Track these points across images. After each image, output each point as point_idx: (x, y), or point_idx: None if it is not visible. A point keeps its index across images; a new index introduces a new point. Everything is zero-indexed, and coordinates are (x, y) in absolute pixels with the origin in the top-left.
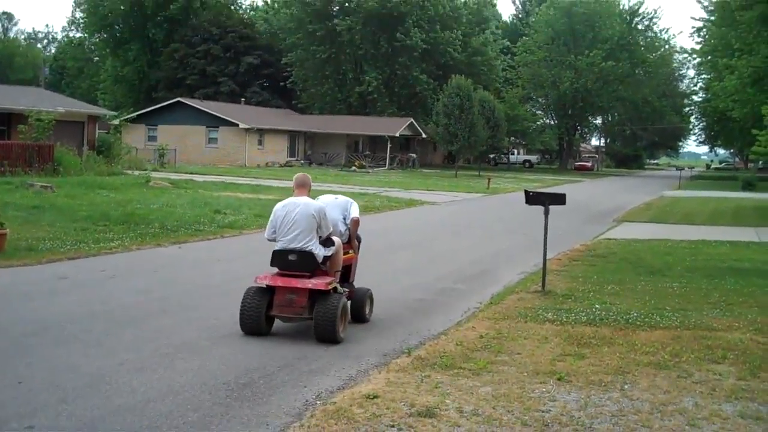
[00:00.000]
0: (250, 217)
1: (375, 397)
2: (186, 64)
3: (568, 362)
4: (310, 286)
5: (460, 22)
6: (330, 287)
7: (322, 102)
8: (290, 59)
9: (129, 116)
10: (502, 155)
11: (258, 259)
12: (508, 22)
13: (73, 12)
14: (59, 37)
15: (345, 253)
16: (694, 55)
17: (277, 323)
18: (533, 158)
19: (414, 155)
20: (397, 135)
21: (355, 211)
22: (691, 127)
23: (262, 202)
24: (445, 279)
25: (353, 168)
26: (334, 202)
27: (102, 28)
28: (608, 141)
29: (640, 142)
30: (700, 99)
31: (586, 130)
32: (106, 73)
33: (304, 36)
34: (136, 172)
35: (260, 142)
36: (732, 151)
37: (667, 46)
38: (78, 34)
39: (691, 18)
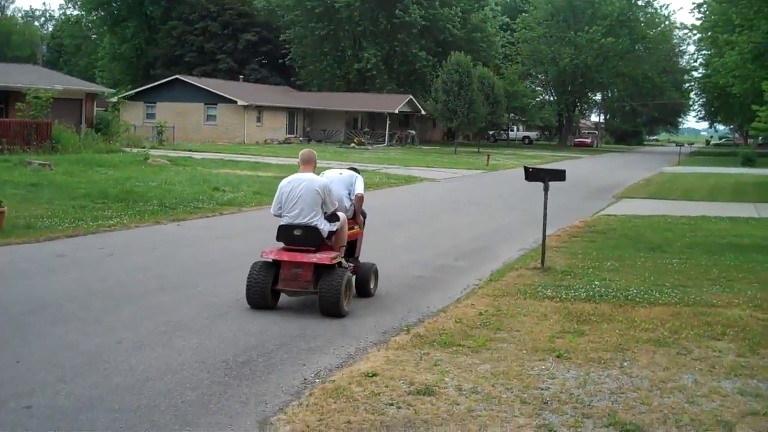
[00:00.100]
0: (248, 194)
1: (374, 375)
2: (184, 42)
3: (568, 339)
4: (314, 260)
5: None
6: (334, 262)
7: (320, 79)
8: (288, 36)
9: (127, 94)
10: (502, 132)
11: (257, 237)
12: None
13: None
14: (56, 14)
15: (350, 229)
16: (695, 31)
17: (283, 297)
18: (533, 135)
19: (413, 132)
20: (396, 112)
21: (359, 187)
22: (690, 103)
23: (261, 179)
24: (445, 256)
25: (352, 145)
26: (339, 178)
27: (99, 6)
28: (608, 117)
29: (640, 118)
30: (700, 75)
31: (585, 106)
32: (104, 50)
33: (302, 13)
34: (135, 150)
35: (259, 119)
36: (732, 127)
37: (667, 22)
38: (75, 12)
39: None
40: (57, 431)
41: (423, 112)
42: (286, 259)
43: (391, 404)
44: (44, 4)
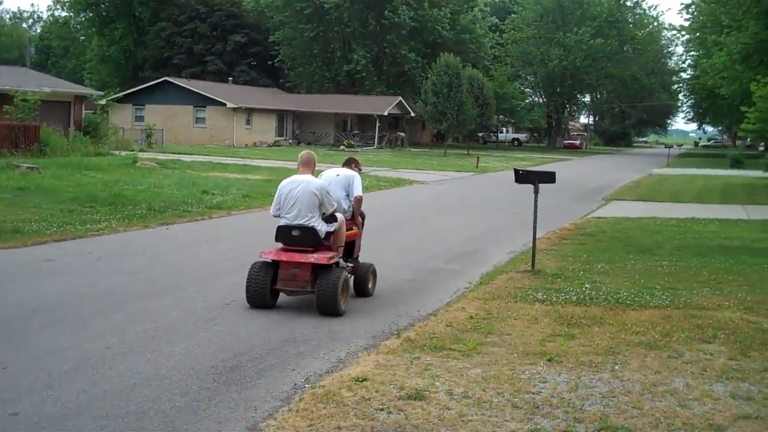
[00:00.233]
0: (238, 197)
1: (364, 379)
2: (173, 43)
3: (558, 343)
4: (312, 260)
5: None
6: (332, 262)
7: (310, 81)
8: (278, 37)
9: (116, 96)
10: (491, 134)
11: (246, 241)
12: None
13: None
14: (45, 16)
15: (349, 230)
16: (683, 32)
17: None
18: (522, 136)
19: (402, 134)
20: (386, 114)
21: (357, 189)
22: (679, 104)
23: (250, 183)
24: (435, 259)
25: (342, 147)
26: (336, 179)
27: (87, 7)
28: (597, 119)
29: (629, 120)
30: (688, 76)
31: (574, 107)
32: (92, 52)
33: (291, 14)
34: (123, 153)
35: (248, 122)
36: (720, 128)
37: (655, 23)
38: (63, 13)
39: None
40: None
41: (412, 114)
42: (284, 259)
43: (382, 409)
44: (32, 5)
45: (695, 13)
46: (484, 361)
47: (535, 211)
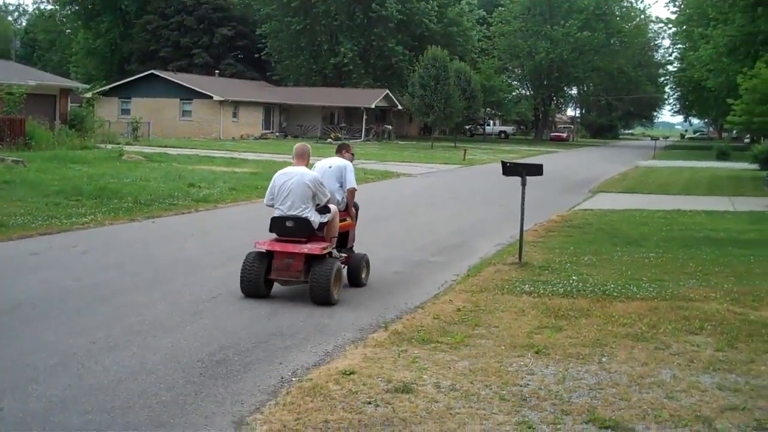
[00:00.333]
0: (224, 190)
1: (351, 373)
2: (159, 36)
3: (546, 335)
4: (305, 250)
5: None
6: (325, 252)
7: (297, 74)
8: (265, 30)
9: (102, 89)
10: (478, 126)
11: (233, 234)
12: None
13: None
14: (30, 9)
15: (342, 221)
16: (670, 25)
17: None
18: (509, 129)
19: (390, 127)
20: (373, 106)
21: (351, 181)
22: (666, 96)
23: (237, 176)
24: (422, 251)
25: (329, 140)
26: (329, 171)
27: (73, 0)
28: (583, 111)
29: (615, 113)
30: (675, 69)
31: (561, 100)
32: (78, 45)
33: (278, 7)
34: (109, 146)
35: (235, 115)
36: (706, 120)
37: (642, 16)
38: (49, 6)
39: None
40: None
41: (399, 107)
42: (278, 249)
43: (369, 403)
44: None
45: (682, 6)
46: (472, 353)
47: (523, 204)
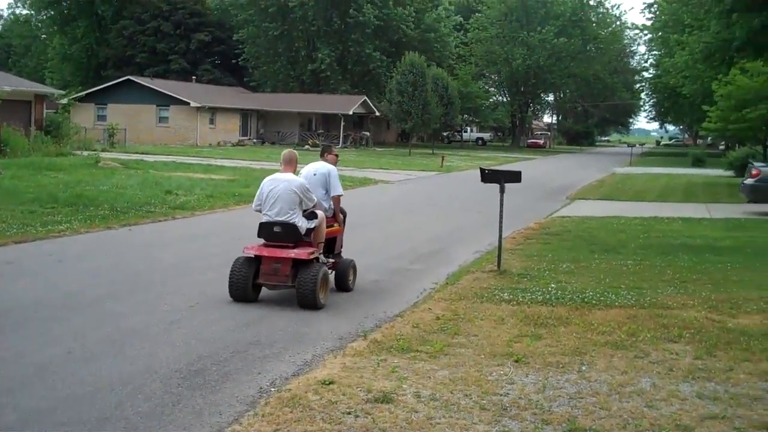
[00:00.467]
0: (202, 197)
1: (331, 383)
2: (135, 42)
3: (525, 343)
4: (293, 255)
5: None
6: (311, 257)
7: (274, 80)
8: (242, 36)
9: (77, 95)
10: (455, 133)
11: (211, 241)
12: None
13: None
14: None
15: (329, 227)
16: (645, 31)
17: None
18: (486, 136)
19: (367, 133)
20: (351, 113)
21: (336, 188)
22: (641, 103)
23: (214, 182)
24: (400, 259)
25: (306, 146)
26: (314, 179)
27: (49, 5)
28: (560, 118)
29: (592, 119)
30: (650, 75)
31: (538, 107)
32: (54, 50)
33: (255, 12)
34: (85, 153)
35: (212, 121)
36: (681, 127)
37: (618, 23)
38: (24, 11)
39: None
40: None
41: (377, 113)
42: (266, 254)
43: (349, 413)
44: None
45: (657, 13)
46: (452, 362)
47: (501, 211)
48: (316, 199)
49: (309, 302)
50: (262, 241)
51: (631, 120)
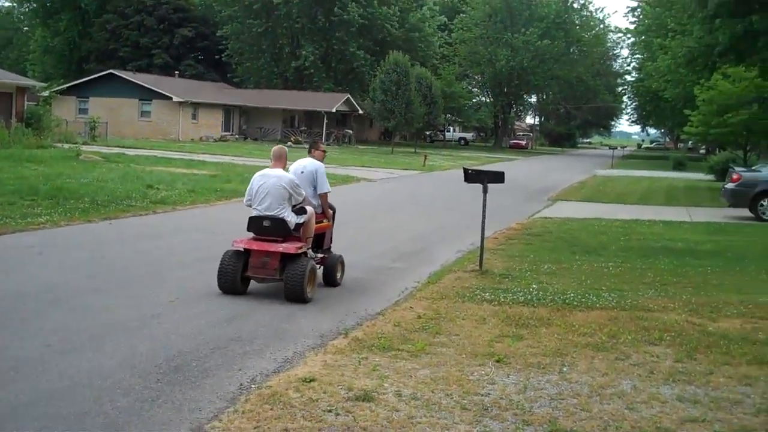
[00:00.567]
0: (183, 192)
1: (312, 380)
2: (119, 36)
3: (507, 343)
4: (281, 249)
5: None
6: (300, 251)
7: (257, 76)
8: (225, 32)
9: (59, 88)
10: (438, 132)
11: (192, 236)
12: None
13: None
14: None
15: (319, 222)
16: (629, 35)
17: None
18: (469, 136)
19: (350, 131)
20: (334, 111)
21: (323, 185)
22: (623, 106)
23: (196, 178)
24: (383, 257)
25: (289, 143)
26: (302, 177)
27: None
28: (542, 119)
29: (574, 121)
30: (633, 78)
31: (521, 108)
32: (36, 43)
33: (240, 8)
34: (66, 146)
35: (194, 116)
36: (663, 130)
37: (601, 26)
38: (6, 3)
39: None
40: None
41: (360, 112)
42: (255, 248)
43: (330, 411)
44: None
45: (641, 17)
46: (433, 361)
47: (484, 211)
48: (305, 194)
49: (296, 295)
50: (251, 234)
51: (613, 123)
